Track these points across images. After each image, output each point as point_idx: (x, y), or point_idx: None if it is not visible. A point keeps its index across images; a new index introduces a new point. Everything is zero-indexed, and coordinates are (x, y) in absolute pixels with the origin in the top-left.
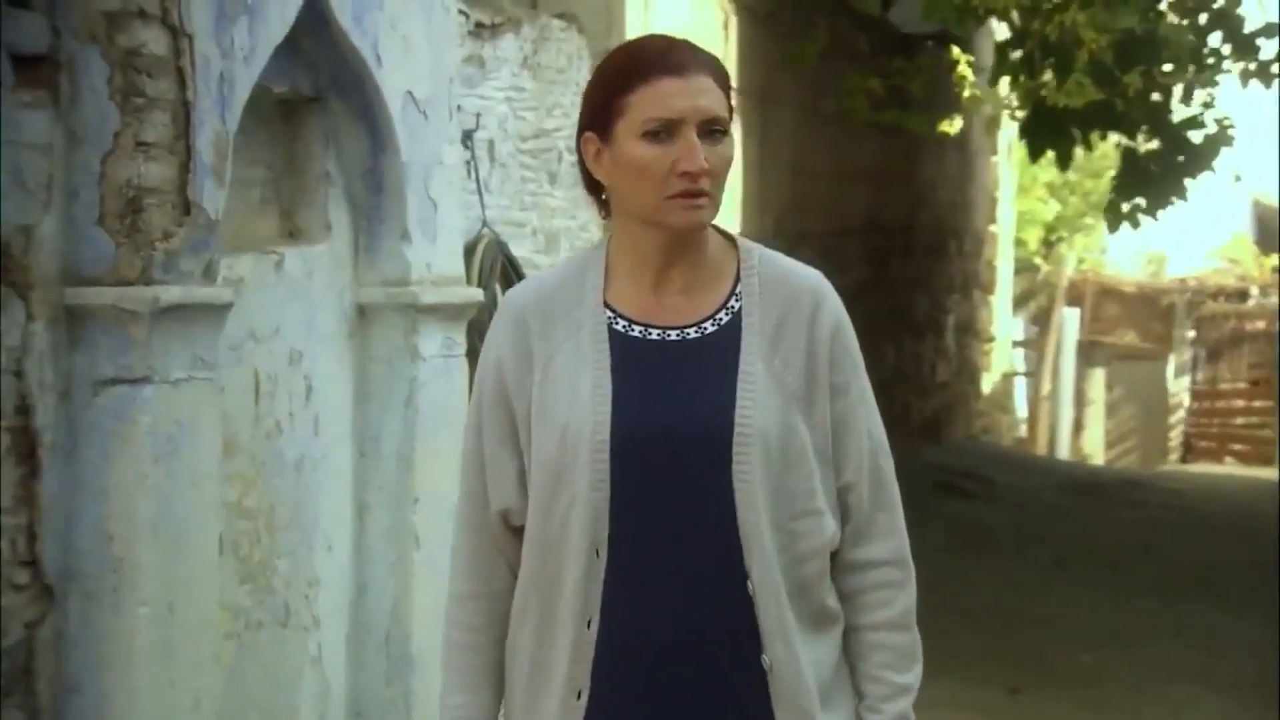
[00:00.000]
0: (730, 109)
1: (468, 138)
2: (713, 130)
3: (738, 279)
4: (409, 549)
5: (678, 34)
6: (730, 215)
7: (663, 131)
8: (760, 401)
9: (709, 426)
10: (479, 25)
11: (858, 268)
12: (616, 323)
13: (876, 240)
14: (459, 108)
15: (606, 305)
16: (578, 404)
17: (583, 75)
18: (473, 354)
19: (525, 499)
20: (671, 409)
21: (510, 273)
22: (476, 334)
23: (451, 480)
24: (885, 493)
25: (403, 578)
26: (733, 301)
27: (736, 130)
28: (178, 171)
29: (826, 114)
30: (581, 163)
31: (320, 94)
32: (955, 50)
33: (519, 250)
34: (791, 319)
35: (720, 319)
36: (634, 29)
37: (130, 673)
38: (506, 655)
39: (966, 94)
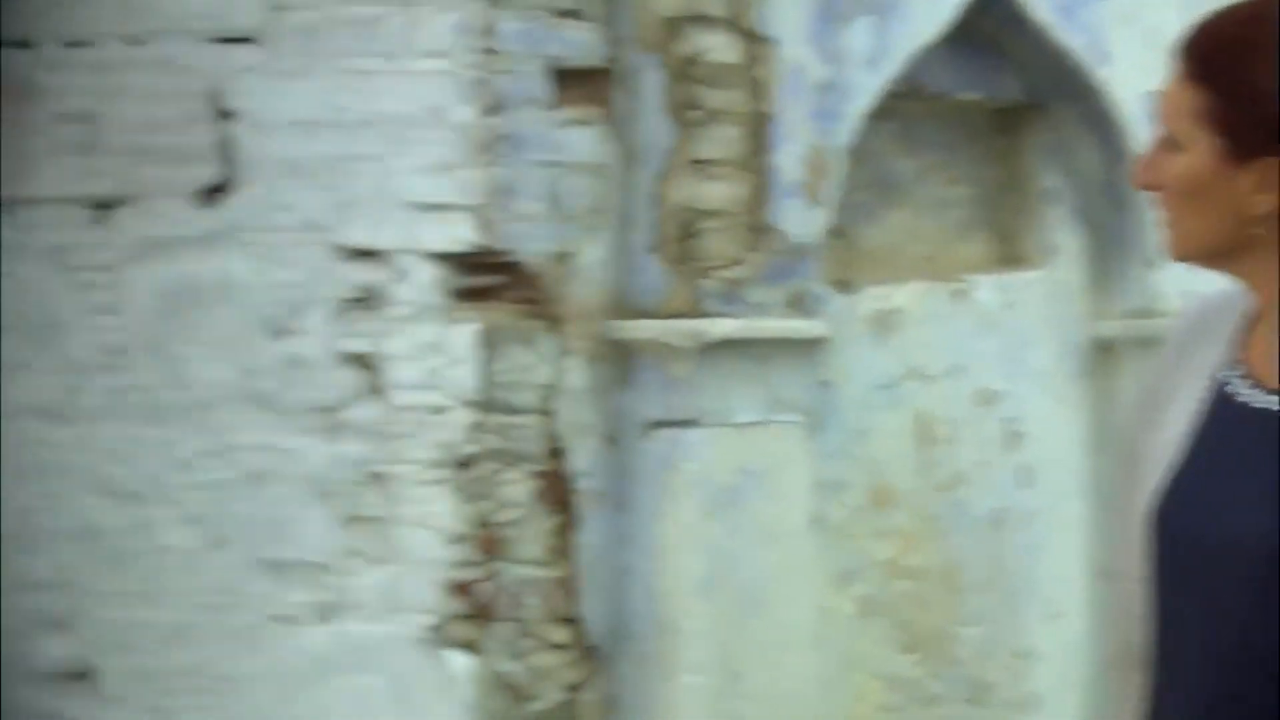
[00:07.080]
0: (1215, 114)
1: None
2: (1169, 139)
3: None
4: None
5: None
6: None
7: None
8: None
9: (1240, 537)
10: None
11: None
12: (1234, 372)
13: None
14: None
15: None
16: (1149, 463)
17: None
18: None
19: None
20: (1219, 501)
21: None
22: None
23: None
24: None
25: None
26: None
27: None
28: (750, 192)
29: None
30: None
31: (1040, 100)
32: None
33: None
34: None
35: None
36: None
37: None
38: None
39: None
